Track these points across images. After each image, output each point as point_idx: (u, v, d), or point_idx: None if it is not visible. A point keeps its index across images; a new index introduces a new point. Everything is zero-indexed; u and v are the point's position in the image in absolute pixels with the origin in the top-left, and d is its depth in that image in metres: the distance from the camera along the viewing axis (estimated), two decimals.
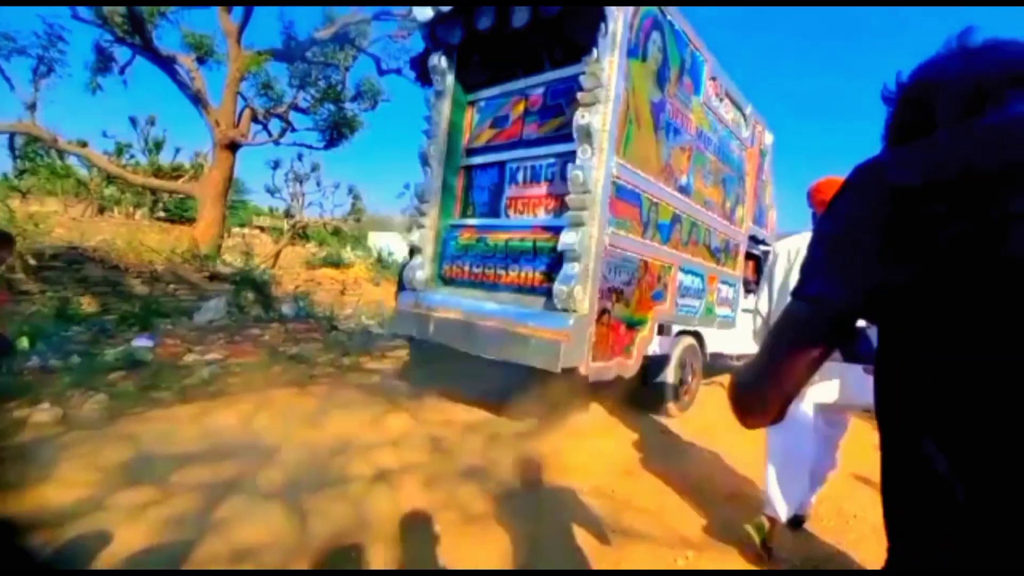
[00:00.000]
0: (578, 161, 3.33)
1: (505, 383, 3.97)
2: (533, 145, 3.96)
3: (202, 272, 9.33)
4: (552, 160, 3.80)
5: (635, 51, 3.48)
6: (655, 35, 3.70)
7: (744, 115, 5.39)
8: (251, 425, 3.65)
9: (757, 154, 5.79)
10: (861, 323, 0.65)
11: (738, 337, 5.52)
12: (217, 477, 2.81)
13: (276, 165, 19.54)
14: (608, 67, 3.28)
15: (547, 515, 2.67)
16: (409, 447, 3.45)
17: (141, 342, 5.55)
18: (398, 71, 13.31)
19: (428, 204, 4.33)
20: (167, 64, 11.15)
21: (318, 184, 21.07)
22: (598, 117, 3.28)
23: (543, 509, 2.73)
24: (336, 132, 13.34)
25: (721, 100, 4.82)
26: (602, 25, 3.27)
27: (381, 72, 13.42)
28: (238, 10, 11.16)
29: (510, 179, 4.07)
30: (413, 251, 4.55)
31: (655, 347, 4.22)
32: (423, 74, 4.43)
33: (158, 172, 20.10)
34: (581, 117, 3.29)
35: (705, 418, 4.47)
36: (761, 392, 0.69)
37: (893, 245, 0.54)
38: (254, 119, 12.51)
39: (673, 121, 4.08)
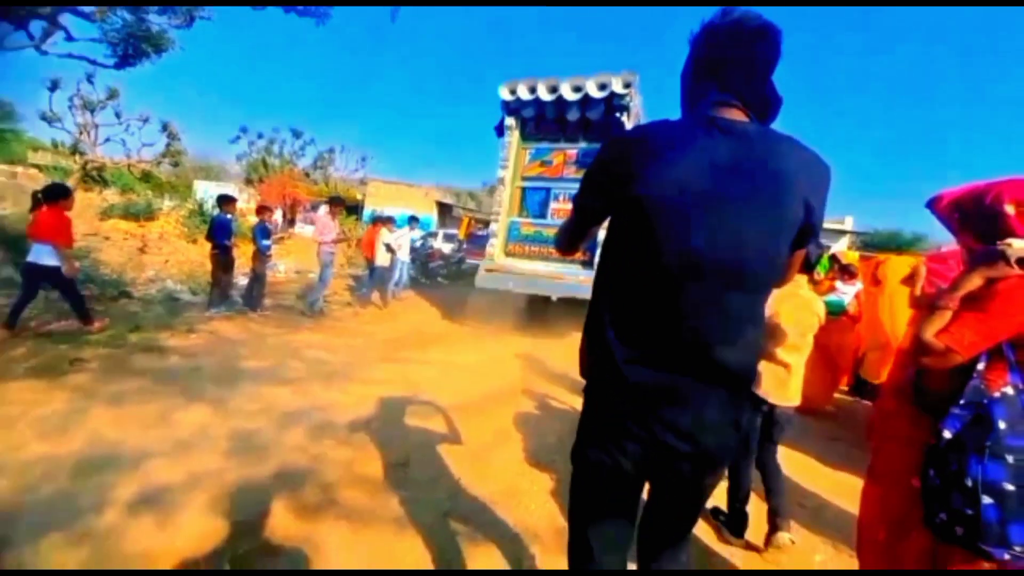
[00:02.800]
0: None
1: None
2: (571, 182, 6.53)
3: None
4: None
5: None
6: None
7: None
8: None
9: None
10: None
11: None
12: None
13: (54, 87, 15.30)
14: None
15: (381, 525, 2.23)
16: (202, 451, 2.70)
17: None
18: None
19: (501, 207, 7.02)
20: None
21: (117, 116, 17.11)
22: None
23: (377, 517, 2.28)
24: (133, 48, 10.54)
25: None
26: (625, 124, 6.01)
27: None
28: None
29: (553, 198, 6.82)
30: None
31: None
32: (499, 131, 7.08)
33: None
34: None
35: None
36: (566, 240, 1.26)
37: (603, 189, 1.05)
38: (3, 17, 9.28)
39: None
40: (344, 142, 28.57)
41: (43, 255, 4.44)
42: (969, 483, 1.22)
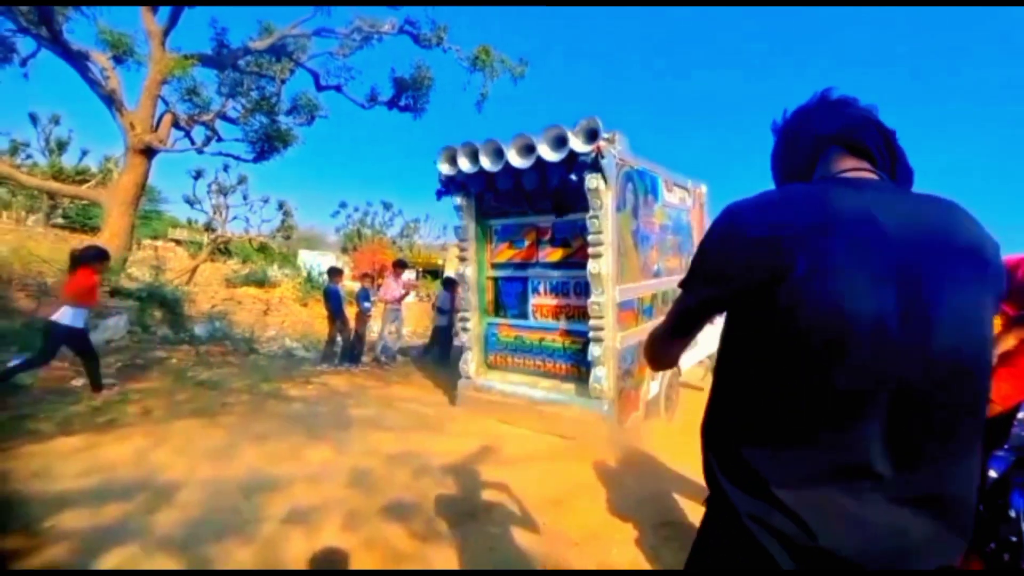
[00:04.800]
0: (593, 297, 4.38)
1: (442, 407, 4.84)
2: (548, 268, 5.08)
3: (103, 287, 8.42)
4: (566, 279, 4.93)
5: (621, 206, 4.49)
6: (629, 185, 4.67)
7: (687, 190, 6.17)
8: (146, 460, 3.26)
9: (699, 208, 6.56)
10: None
11: (700, 346, 5.90)
12: (100, 521, 2.47)
13: (198, 175, 18.34)
14: (606, 228, 4.30)
15: (476, 554, 2.56)
16: (329, 482, 3.21)
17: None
18: (338, 88, 12.99)
19: (469, 311, 5.34)
20: (78, 60, 10.18)
21: (244, 197, 19.97)
22: (605, 266, 4.33)
23: (472, 547, 2.62)
24: (268, 145, 12.69)
25: (671, 191, 5.74)
26: (597, 202, 4.27)
27: (319, 88, 13.03)
28: (164, 12, 10.50)
29: (533, 289, 5.18)
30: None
31: (651, 390, 5.10)
32: (441, 196, 5.39)
33: (58, 175, 18.19)
34: (593, 267, 4.32)
35: (644, 446, 4.56)
36: (662, 347, 1.01)
37: (733, 272, 0.79)
38: (175, 125, 11.65)
39: (646, 232, 5.01)
40: (428, 212, 31.02)
41: (68, 316, 4.35)
42: (1013, 515, 1.38)
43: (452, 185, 5.14)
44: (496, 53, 11.93)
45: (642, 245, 5.00)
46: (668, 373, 5.34)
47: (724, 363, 0.87)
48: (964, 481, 0.75)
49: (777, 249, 0.72)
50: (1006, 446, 1.49)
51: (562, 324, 4.94)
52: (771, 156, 1.01)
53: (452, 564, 2.42)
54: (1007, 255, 1.78)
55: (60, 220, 20.31)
